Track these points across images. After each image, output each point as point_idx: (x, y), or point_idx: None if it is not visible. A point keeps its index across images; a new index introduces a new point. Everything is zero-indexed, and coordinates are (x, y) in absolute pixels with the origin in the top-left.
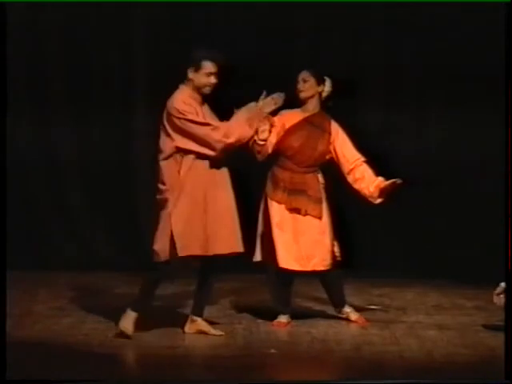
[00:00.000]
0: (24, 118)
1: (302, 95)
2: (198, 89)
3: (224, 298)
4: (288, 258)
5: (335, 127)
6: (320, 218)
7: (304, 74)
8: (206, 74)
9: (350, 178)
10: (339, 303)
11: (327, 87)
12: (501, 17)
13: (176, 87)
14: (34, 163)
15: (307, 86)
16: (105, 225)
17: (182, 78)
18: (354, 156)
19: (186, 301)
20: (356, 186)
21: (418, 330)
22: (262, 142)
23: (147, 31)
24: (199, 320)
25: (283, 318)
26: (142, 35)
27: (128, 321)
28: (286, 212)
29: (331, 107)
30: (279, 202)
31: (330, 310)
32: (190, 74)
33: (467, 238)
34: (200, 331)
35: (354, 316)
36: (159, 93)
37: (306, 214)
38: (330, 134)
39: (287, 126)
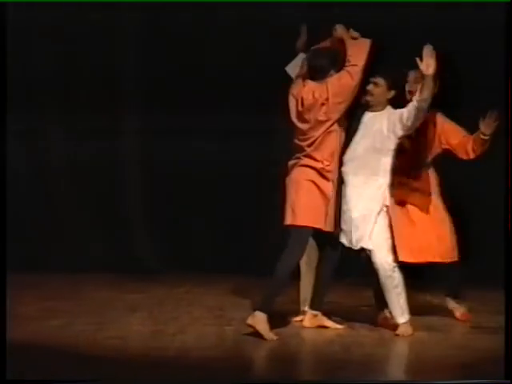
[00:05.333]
0: (24, 118)
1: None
2: None
3: None
4: (406, 252)
5: (439, 117)
6: (428, 211)
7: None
8: None
9: (472, 155)
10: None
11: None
12: (501, 17)
13: None
14: (33, 164)
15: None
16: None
17: None
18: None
19: None
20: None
21: None
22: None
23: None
24: (319, 314)
25: (387, 313)
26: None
27: (263, 324)
28: (398, 208)
29: None
30: (395, 201)
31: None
32: None
33: None
34: (321, 325)
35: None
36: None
37: (415, 206)
38: (434, 125)
39: None
